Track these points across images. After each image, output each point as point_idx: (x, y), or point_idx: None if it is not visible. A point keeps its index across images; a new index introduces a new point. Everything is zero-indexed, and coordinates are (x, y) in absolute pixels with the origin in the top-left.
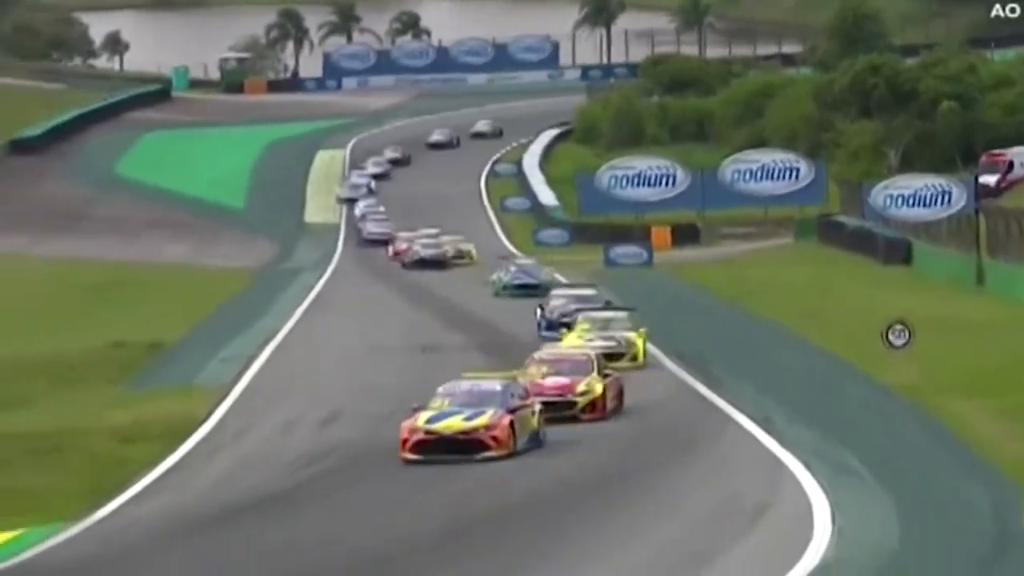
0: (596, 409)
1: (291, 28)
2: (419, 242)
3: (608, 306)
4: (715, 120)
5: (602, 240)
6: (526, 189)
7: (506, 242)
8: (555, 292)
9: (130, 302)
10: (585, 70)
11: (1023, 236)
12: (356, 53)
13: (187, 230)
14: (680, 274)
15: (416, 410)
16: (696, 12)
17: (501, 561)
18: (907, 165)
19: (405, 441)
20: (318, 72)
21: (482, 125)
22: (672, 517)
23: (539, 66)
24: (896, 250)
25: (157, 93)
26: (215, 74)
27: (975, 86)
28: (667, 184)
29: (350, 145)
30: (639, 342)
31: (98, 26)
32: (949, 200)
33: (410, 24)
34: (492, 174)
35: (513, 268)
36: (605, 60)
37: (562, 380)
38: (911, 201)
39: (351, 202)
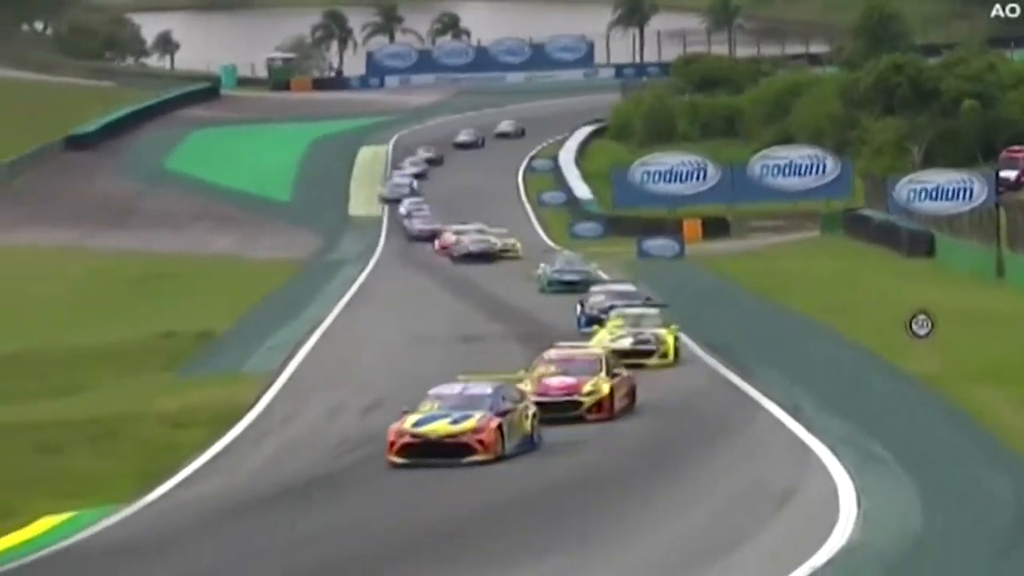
0: (602, 410)
1: (336, 29)
2: (467, 236)
3: (646, 303)
4: (744, 117)
5: (635, 233)
6: (562, 184)
7: (543, 235)
8: (595, 288)
9: (179, 293)
10: (619, 69)
11: None
12: (398, 52)
13: (234, 223)
14: (710, 266)
15: (406, 412)
16: (726, 13)
17: (539, 539)
18: (930, 161)
19: (392, 444)
20: (362, 71)
21: (505, 125)
22: (703, 501)
23: (575, 65)
24: (919, 243)
25: (206, 91)
26: (262, 73)
27: (995, 85)
28: (698, 179)
29: (392, 141)
30: (670, 339)
31: (150, 26)
32: (970, 194)
33: (450, 24)
34: (529, 169)
35: (558, 263)
36: (638, 59)
37: (568, 380)
38: (934, 195)
39: (394, 202)
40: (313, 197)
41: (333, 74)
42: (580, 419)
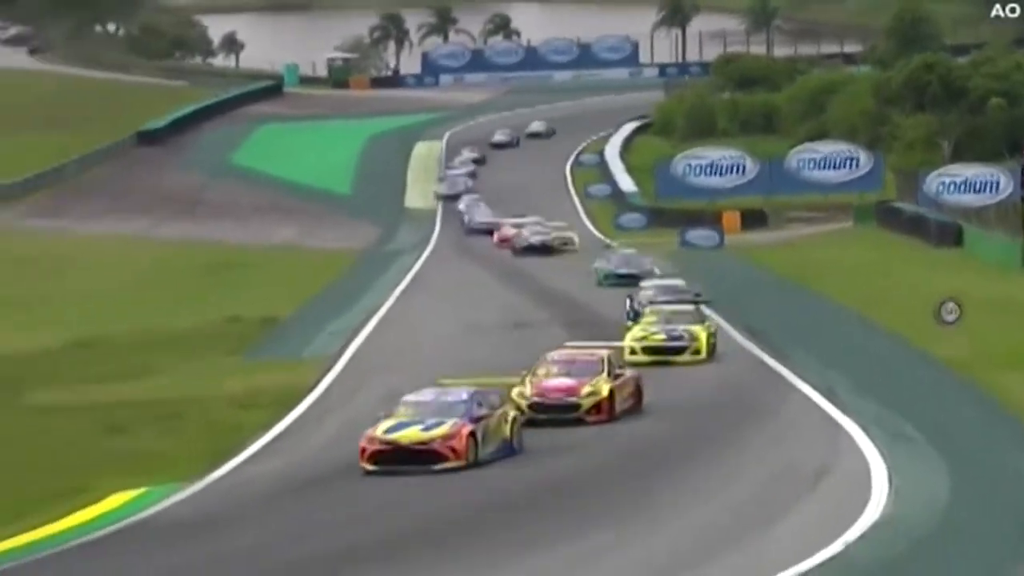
0: (601, 411)
1: (393, 29)
2: (527, 229)
3: (696, 298)
4: (781, 114)
5: (677, 224)
6: (608, 177)
7: (590, 226)
8: (644, 283)
9: (244, 281)
10: (662, 68)
11: None
12: (452, 52)
13: (296, 215)
14: (749, 256)
15: (382, 418)
16: (765, 14)
17: (588, 516)
18: (958, 156)
19: (364, 451)
20: (417, 70)
21: (537, 125)
22: (741, 478)
23: (620, 64)
24: (948, 234)
25: (270, 89)
26: (323, 71)
27: (1021, 83)
28: (737, 172)
29: (446, 136)
30: (703, 336)
31: (216, 27)
32: (997, 188)
33: (502, 25)
34: (576, 163)
35: (615, 257)
36: (680, 59)
37: (567, 382)
38: (962, 188)
39: (451, 199)
40: (371, 190)
41: (390, 73)
42: (579, 421)
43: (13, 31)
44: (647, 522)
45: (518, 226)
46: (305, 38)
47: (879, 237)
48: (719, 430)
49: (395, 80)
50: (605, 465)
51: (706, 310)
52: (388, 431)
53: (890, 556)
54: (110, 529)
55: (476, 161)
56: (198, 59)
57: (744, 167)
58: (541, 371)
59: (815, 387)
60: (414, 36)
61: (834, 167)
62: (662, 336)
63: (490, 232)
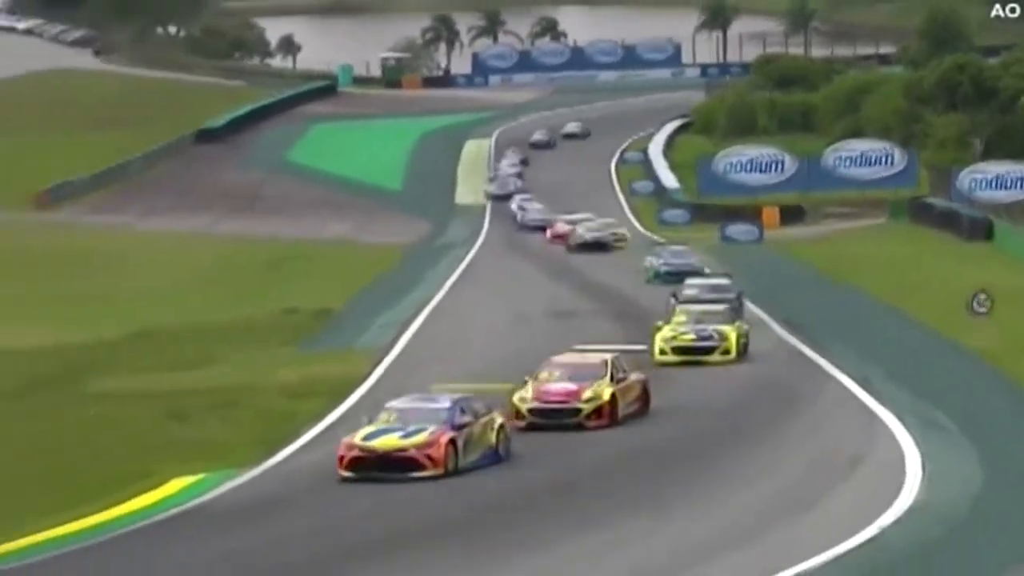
0: (603, 416)
1: (444, 31)
2: (582, 226)
3: (739, 297)
4: (818, 113)
5: (718, 219)
6: (651, 174)
7: (635, 222)
8: (689, 281)
9: (299, 274)
10: (704, 68)
11: None
12: (501, 53)
13: (349, 210)
14: (787, 250)
15: (365, 423)
16: (803, 17)
17: (611, 505)
18: (989, 153)
19: (342, 458)
20: (467, 70)
21: (572, 126)
22: (779, 464)
23: (663, 65)
24: (979, 228)
25: (325, 89)
26: (376, 72)
27: None
28: (776, 169)
29: (495, 135)
30: (732, 336)
31: (274, 29)
32: None
33: (549, 27)
34: (621, 161)
35: (665, 254)
36: (721, 60)
37: (569, 386)
38: (993, 184)
39: (502, 199)
40: (422, 186)
41: (441, 73)
42: (580, 426)
43: (79, 33)
44: (690, 505)
45: (572, 223)
46: (359, 40)
47: (912, 232)
48: (759, 416)
49: (446, 80)
50: (631, 457)
51: (748, 304)
52: (366, 438)
53: (924, 540)
54: (170, 513)
55: (523, 162)
56: (256, 60)
57: (783, 164)
58: (543, 375)
59: (851, 376)
60: (464, 37)
61: (869, 164)
62: (692, 336)
63: (542, 229)
